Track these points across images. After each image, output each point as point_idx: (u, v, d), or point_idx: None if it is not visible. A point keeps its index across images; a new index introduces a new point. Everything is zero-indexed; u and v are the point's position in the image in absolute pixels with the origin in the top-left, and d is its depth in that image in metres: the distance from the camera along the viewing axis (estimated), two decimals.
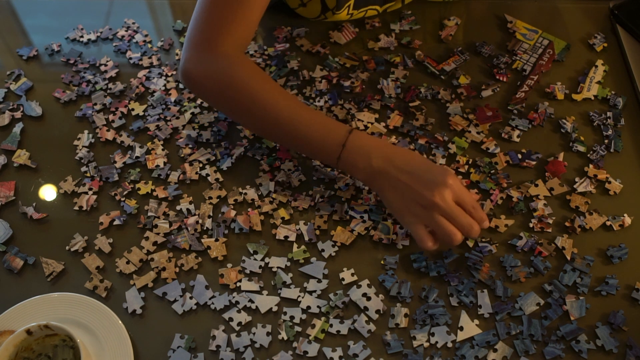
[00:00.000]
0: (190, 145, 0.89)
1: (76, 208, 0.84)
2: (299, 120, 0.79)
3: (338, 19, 1.00)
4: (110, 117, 0.92)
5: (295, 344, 0.74)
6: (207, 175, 0.87)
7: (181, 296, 0.77)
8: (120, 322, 0.74)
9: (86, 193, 0.85)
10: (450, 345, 0.74)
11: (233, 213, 0.83)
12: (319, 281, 0.79)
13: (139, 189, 0.85)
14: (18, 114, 0.92)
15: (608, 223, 0.83)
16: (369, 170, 0.77)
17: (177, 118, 0.92)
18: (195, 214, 0.83)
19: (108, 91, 0.95)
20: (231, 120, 0.92)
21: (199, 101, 0.93)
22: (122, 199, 0.85)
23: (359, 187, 0.86)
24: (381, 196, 0.79)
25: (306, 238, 0.82)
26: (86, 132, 0.91)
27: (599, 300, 0.78)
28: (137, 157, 0.88)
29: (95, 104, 0.93)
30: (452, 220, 0.74)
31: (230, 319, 0.76)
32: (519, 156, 0.89)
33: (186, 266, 0.80)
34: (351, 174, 0.81)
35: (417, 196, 0.74)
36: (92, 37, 1.01)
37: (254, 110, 0.80)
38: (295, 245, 0.81)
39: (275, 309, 0.77)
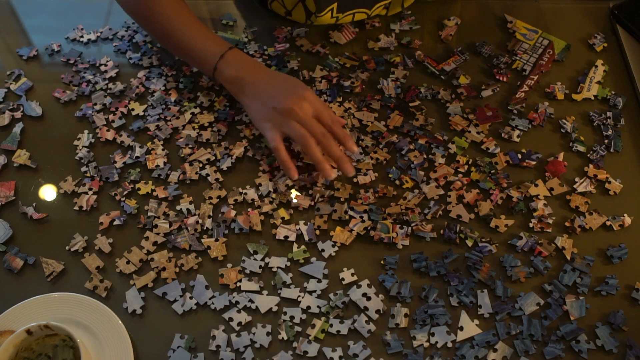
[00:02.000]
0: (190, 145, 0.89)
1: (76, 208, 0.84)
2: (187, 31, 0.88)
3: (324, 22, 1.00)
4: (110, 117, 0.92)
5: (295, 344, 0.74)
6: (207, 175, 0.87)
7: (181, 296, 0.77)
8: (120, 322, 0.74)
9: (86, 193, 0.85)
10: (450, 345, 0.74)
11: (233, 213, 0.83)
12: (319, 281, 0.79)
13: (139, 189, 0.85)
14: (18, 114, 0.92)
15: (608, 223, 0.83)
16: (238, 81, 0.86)
17: (177, 118, 0.92)
18: (195, 214, 0.83)
19: (108, 91, 0.95)
20: (230, 120, 0.92)
21: (199, 101, 0.93)
22: (122, 199, 0.85)
23: (358, 187, 0.86)
24: (245, 105, 0.87)
25: (306, 238, 0.82)
26: (86, 132, 0.91)
27: (599, 300, 0.78)
28: (137, 157, 0.88)
29: (95, 104, 0.93)
30: (306, 127, 0.81)
31: (230, 319, 0.76)
32: (519, 156, 0.89)
33: (186, 266, 0.80)
34: (223, 84, 0.89)
35: (277, 103, 0.82)
36: (92, 37, 1.01)
37: (151, 19, 0.90)
38: (295, 245, 0.81)
39: (275, 309, 0.77)
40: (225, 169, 0.87)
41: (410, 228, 0.83)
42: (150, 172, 0.87)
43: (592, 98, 0.96)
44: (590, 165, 0.89)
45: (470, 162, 0.89)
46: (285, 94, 0.83)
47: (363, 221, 0.83)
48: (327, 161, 0.82)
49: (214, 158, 0.88)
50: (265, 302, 0.77)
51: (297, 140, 0.82)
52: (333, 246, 0.81)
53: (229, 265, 0.80)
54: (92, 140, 0.90)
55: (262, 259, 0.80)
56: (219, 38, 0.90)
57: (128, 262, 0.80)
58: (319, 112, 0.82)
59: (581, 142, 0.91)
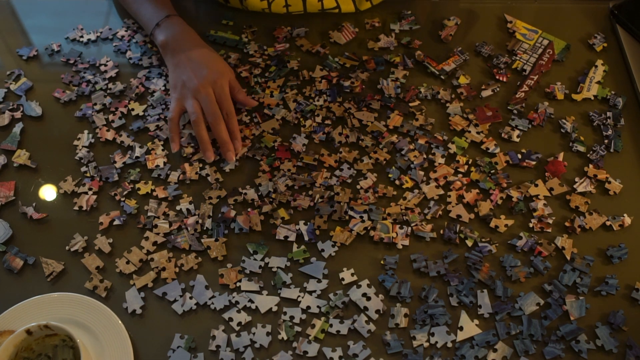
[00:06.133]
0: (192, 144, 0.89)
1: (76, 208, 0.84)
2: None
3: (255, 5, 1.01)
4: (110, 117, 0.92)
5: (295, 344, 0.74)
6: (207, 175, 0.87)
7: (181, 296, 0.77)
8: (120, 322, 0.74)
9: (86, 193, 0.85)
10: (450, 345, 0.74)
11: (233, 213, 0.83)
12: (319, 281, 0.79)
13: (139, 189, 0.85)
14: (18, 114, 0.92)
15: (608, 223, 0.83)
16: (166, 48, 0.93)
17: None
18: (195, 214, 0.83)
19: (108, 91, 0.95)
20: None
21: None
22: (122, 199, 0.85)
23: (358, 187, 0.86)
24: (169, 71, 0.92)
25: (306, 238, 0.82)
26: (86, 132, 0.91)
27: (599, 300, 0.78)
28: (137, 157, 0.88)
29: (95, 104, 0.93)
30: (202, 107, 0.87)
31: (230, 319, 0.76)
32: (519, 156, 0.89)
33: (186, 266, 0.80)
34: (158, 47, 0.96)
35: (187, 79, 0.88)
36: (92, 37, 1.01)
37: None
38: (295, 245, 0.81)
39: (275, 309, 0.77)
40: (227, 170, 0.87)
41: (410, 228, 0.83)
42: (150, 172, 0.87)
43: (592, 98, 0.96)
44: (590, 165, 0.88)
45: (470, 162, 0.89)
46: (198, 73, 0.88)
47: (363, 221, 0.83)
48: (210, 144, 0.87)
49: (218, 157, 0.88)
50: (265, 302, 0.77)
51: (190, 116, 0.87)
52: (333, 246, 0.81)
53: (229, 265, 0.80)
54: (92, 140, 0.90)
55: (262, 259, 0.80)
56: (165, 4, 0.97)
57: (128, 262, 0.80)
58: (221, 99, 0.88)
59: (581, 142, 0.91)
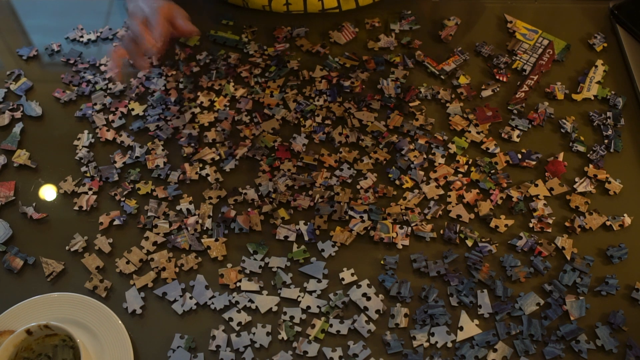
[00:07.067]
0: (193, 144, 0.89)
1: (76, 208, 0.84)
2: None
3: (257, 2, 1.01)
4: (110, 117, 0.92)
5: (295, 344, 0.74)
6: (207, 175, 0.87)
7: (181, 296, 0.77)
8: (120, 322, 0.74)
9: (86, 193, 0.85)
10: (450, 345, 0.74)
11: (233, 213, 0.83)
12: (319, 281, 0.79)
13: (139, 189, 0.85)
14: (18, 114, 0.92)
15: (608, 223, 0.83)
16: None
17: (178, 118, 0.92)
18: (195, 214, 0.83)
19: (108, 91, 0.95)
20: (230, 120, 0.92)
21: (199, 101, 0.93)
22: (122, 199, 0.85)
23: (358, 187, 0.86)
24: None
25: (306, 238, 0.82)
26: (86, 132, 0.91)
27: (599, 300, 0.78)
28: (137, 157, 0.88)
29: (95, 104, 0.93)
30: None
31: (230, 319, 0.76)
32: (519, 156, 0.89)
33: (186, 266, 0.80)
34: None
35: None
36: (92, 37, 1.01)
37: None
38: (295, 245, 0.81)
39: (275, 309, 0.77)
40: (227, 170, 0.87)
41: (410, 228, 0.83)
42: (150, 172, 0.87)
43: (592, 98, 0.96)
44: (590, 165, 0.89)
45: (470, 162, 0.89)
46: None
47: (363, 221, 0.83)
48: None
49: (218, 157, 0.88)
50: (265, 302, 0.77)
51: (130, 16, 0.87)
52: (333, 246, 0.81)
53: (229, 265, 0.80)
54: (92, 140, 0.90)
55: (262, 259, 0.80)
56: None
57: (128, 262, 0.80)
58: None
59: (581, 142, 0.91)
